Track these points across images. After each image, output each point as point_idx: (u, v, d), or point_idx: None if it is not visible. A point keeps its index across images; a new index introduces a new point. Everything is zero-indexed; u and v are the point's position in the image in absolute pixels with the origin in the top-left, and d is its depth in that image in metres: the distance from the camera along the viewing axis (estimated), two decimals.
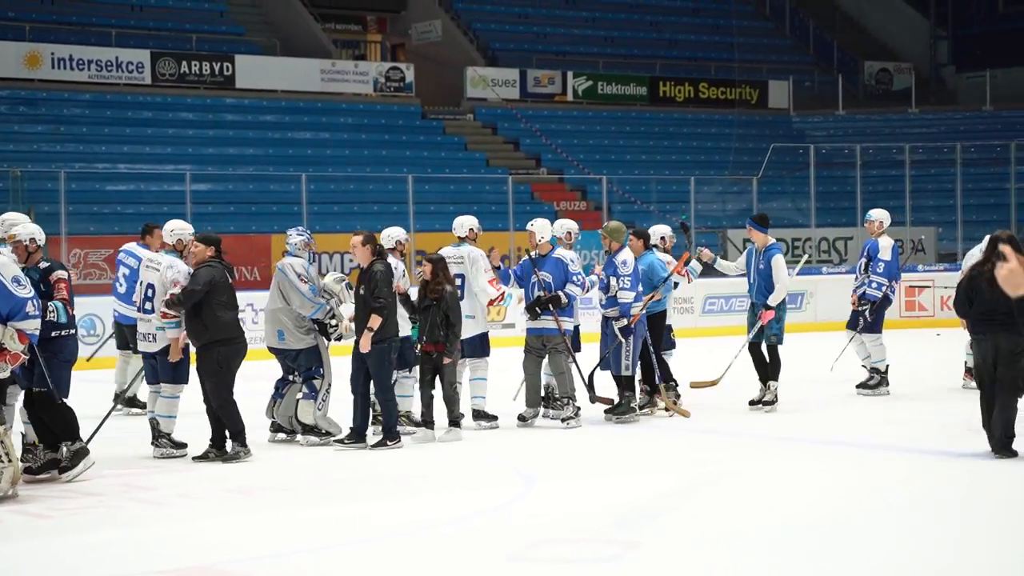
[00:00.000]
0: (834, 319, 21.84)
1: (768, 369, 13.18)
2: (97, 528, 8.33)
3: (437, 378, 11.53)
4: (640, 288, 12.55)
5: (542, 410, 12.56)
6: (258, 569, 7.17)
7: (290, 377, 11.66)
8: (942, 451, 10.67)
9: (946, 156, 31.58)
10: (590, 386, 12.63)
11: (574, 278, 12.31)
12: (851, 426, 12.27)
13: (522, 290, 12.77)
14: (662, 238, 13.90)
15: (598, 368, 12.69)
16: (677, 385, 13.19)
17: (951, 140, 32.17)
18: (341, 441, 11.20)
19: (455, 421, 11.56)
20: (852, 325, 14.54)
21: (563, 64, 35.91)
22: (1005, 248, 4.34)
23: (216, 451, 10.70)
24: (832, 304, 21.00)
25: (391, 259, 11.72)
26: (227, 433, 10.71)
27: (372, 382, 11.16)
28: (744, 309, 14.72)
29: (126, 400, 13.17)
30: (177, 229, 11.19)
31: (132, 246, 13.46)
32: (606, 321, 12.63)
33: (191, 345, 10.83)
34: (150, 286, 11.02)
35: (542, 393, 12.69)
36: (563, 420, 12.27)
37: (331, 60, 32.85)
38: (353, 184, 29.02)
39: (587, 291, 12.66)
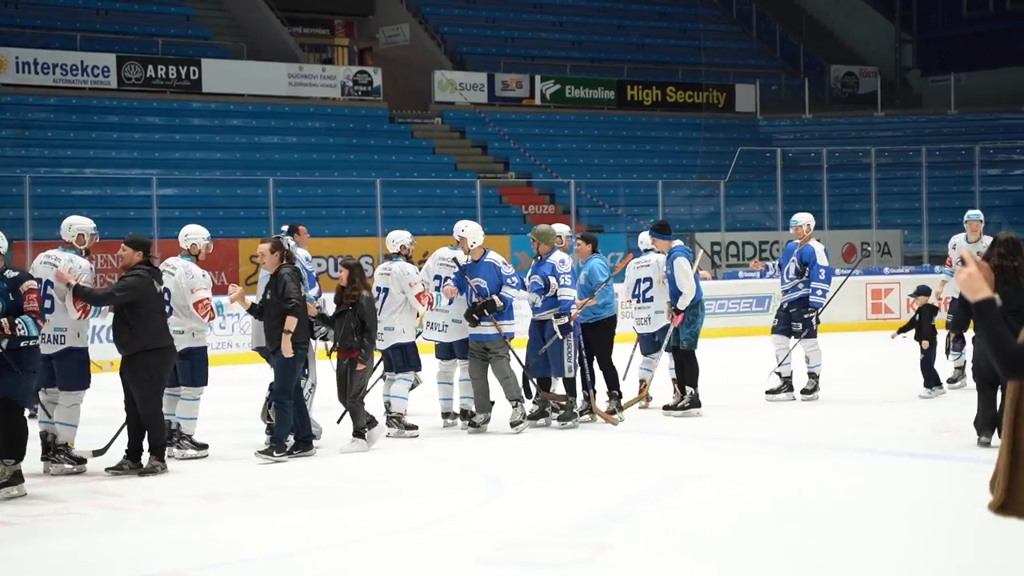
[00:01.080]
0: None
1: (686, 374, 13.00)
2: (62, 535, 8.28)
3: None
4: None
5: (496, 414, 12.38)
6: (225, 575, 7.14)
7: None
8: (909, 452, 10.72)
9: (911, 159, 31.77)
10: (527, 391, 12.57)
11: (508, 280, 12.20)
12: (816, 428, 12.30)
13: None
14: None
15: (527, 373, 12.52)
16: (621, 396, 12.96)
17: (916, 143, 32.37)
18: (289, 452, 10.87)
19: (359, 432, 11.23)
20: (785, 331, 14.16)
21: (531, 68, 35.95)
22: (964, 252, 4.36)
23: (131, 463, 10.32)
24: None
25: (401, 263, 12.14)
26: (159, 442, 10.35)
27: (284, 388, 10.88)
28: (710, 311, 14.79)
29: None
30: (191, 234, 11.28)
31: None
32: (537, 325, 12.48)
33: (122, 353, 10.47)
34: (166, 290, 10.90)
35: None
36: (512, 425, 12.09)
37: (298, 64, 32.77)
38: (321, 188, 28.96)
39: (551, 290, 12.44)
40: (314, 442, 11.29)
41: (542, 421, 12.55)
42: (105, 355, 10.87)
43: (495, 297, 12.10)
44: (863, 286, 24.71)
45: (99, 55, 29.70)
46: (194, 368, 11.07)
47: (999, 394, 10.19)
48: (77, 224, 10.85)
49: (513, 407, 12.20)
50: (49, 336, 10.31)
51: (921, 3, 42.26)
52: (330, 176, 29.20)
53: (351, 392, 11.20)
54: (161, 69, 30.18)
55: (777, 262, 15.42)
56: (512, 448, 11.54)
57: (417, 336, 12.62)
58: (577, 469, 10.48)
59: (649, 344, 13.59)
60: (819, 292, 14.10)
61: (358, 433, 11.27)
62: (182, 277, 11.03)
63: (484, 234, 12.67)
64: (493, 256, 12.34)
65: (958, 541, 7.44)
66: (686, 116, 36.50)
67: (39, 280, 10.15)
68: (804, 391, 14.16)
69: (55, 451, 10.50)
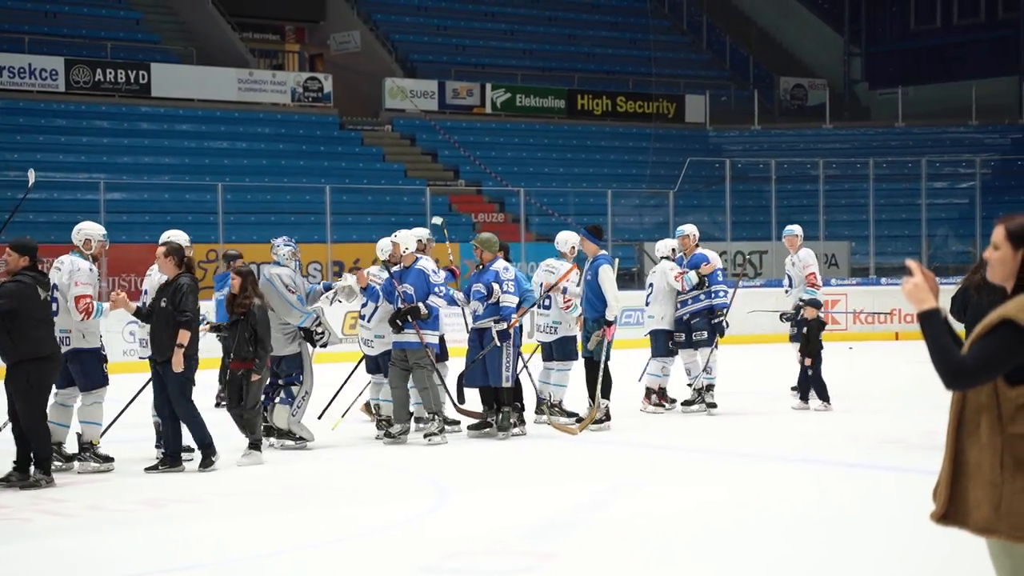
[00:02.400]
0: (752, 332, 22.05)
1: (600, 386, 12.76)
2: (4, 540, 8.19)
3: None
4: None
5: (414, 426, 12.27)
6: None
7: (279, 383, 11.74)
8: (854, 463, 10.78)
9: (859, 171, 32.01)
10: (459, 397, 12.56)
11: (436, 289, 12.01)
12: (761, 439, 12.35)
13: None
14: (672, 250, 14.13)
15: (463, 380, 12.48)
16: (523, 408, 12.74)
17: (864, 156, 32.63)
18: (155, 467, 10.55)
19: (255, 444, 10.92)
20: (690, 344, 14.11)
21: (482, 76, 35.98)
22: (909, 262, 4.40)
23: (19, 475, 9.94)
24: (750, 318, 21.01)
25: (425, 259, 12.19)
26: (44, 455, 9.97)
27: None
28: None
29: None
30: (85, 230, 10.94)
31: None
32: (477, 333, 12.39)
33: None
34: (54, 286, 10.47)
35: (541, 398, 13.07)
36: (426, 436, 11.91)
37: (248, 69, 32.65)
38: (270, 194, 28.85)
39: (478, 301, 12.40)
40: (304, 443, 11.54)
41: (486, 431, 12.50)
42: None
43: (420, 304, 11.91)
44: None
45: (47, 58, 29.49)
46: (86, 371, 10.60)
47: None
48: (85, 229, 10.94)
49: (430, 419, 12.00)
50: (58, 337, 10.37)
51: (870, 17, 42.62)
52: (279, 182, 29.10)
53: (247, 403, 10.86)
54: (110, 73, 30.00)
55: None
56: (459, 456, 11.52)
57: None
58: (524, 477, 10.47)
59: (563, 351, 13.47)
60: (721, 293, 14.13)
61: (254, 445, 10.92)
62: (67, 273, 10.62)
63: (433, 242, 12.66)
64: (424, 264, 12.15)
65: (896, 551, 7.48)
66: (636, 126, 36.63)
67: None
68: (708, 403, 14.03)
69: (80, 450, 10.65)
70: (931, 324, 4.20)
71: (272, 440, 11.68)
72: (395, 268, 12.23)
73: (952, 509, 4.29)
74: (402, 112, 34.12)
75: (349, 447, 11.92)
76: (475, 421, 12.58)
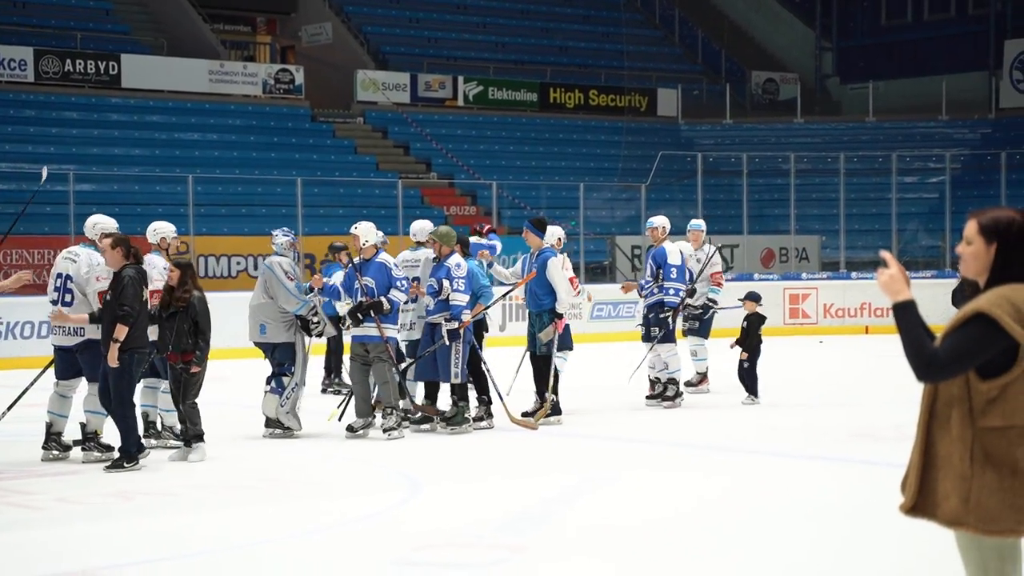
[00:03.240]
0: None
1: (546, 381, 12.70)
2: None
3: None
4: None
5: (378, 419, 12.15)
6: (135, 574, 7.05)
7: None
8: (824, 456, 10.82)
9: (830, 166, 32.10)
10: (424, 395, 12.50)
11: (398, 283, 11.92)
12: (732, 432, 12.38)
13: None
14: (559, 239, 13.90)
15: (411, 374, 12.44)
16: (490, 402, 12.66)
17: (835, 150, 32.72)
18: (118, 465, 10.26)
19: (197, 436, 10.68)
20: (647, 337, 14.14)
21: (454, 69, 35.93)
22: (885, 254, 4.41)
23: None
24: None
25: (428, 251, 12.40)
26: None
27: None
28: (631, 315, 14.80)
29: None
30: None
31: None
32: (430, 328, 12.31)
33: None
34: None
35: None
36: (385, 431, 11.83)
37: (219, 61, 32.52)
38: (241, 186, 28.75)
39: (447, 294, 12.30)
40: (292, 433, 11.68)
41: (427, 426, 12.37)
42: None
43: (383, 299, 11.83)
44: (781, 291, 24.95)
45: (16, 48, 29.29)
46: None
47: None
48: (101, 223, 11.05)
49: (388, 413, 11.88)
50: (68, 329, 10.61)
51: (841, 11, 42.73)
52: (251, 174, 29.00)
53: (186, 396, 10.62)
54: (79, 63, 29.83)
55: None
56: (431, 449, 11.51)
57: None
58: (495, 470, 10.48)
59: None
60: (672, 291, 14.01)
61: (197, 438, 10.69)
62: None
63: (404, 236, 12.68)
64: (385, 257, 12.06)
65: (869, 544, 7.51)
66: (608, 120, 36.65)
67: (61, 275, 10.66)
68: (667, 397, 14.01)
69: (84, 439, 10.70)
70: (905, 315, 4.21)
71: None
72: (356, 260, 12.18)
73: (921, 501, 4.31)
74: (374, 104, 34.05)
75: (322, 440, 11.89)
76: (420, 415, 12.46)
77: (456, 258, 12.28)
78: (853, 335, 24.57)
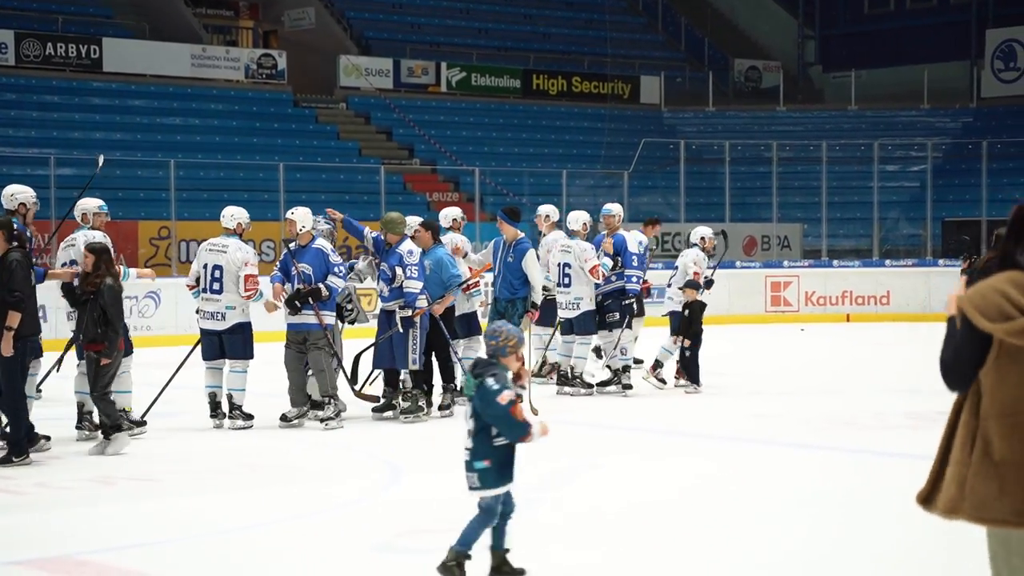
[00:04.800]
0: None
1: None
2: None
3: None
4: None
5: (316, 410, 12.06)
6: (116, 559, 7.04)
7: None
8: (806, 444, 10.85)
9: (812, 154, 32.13)
10: (353, 380, 12.41)
11: (335, 269, 11.75)
12: (711, 419, 12.41)
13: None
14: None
15: (366, 361, 12.45)
16: (456, 390, 12.50)
17: (817, 138, 32.75)
18: (6, 461, 9.83)
19: (115, 427, 10.35)
20: (601, 325, 14.02)
21: (437, 55, 35.87)
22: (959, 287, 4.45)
23: None
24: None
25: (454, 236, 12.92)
26: None
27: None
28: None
29: None
30: (237, 215, 11.97)
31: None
32: (385, 315, 12.16)
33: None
34: (217, 267, 11.73)
35: (560, 371, 13.47)
36: (322, 421, 11.59)
37: (202, 45, 32.40)
38: (223, 171, 28.66)
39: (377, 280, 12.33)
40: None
41: (389, 414, 12.31)
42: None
43: (321, 285, 11.66)
44: (763, 279, 25.01)
45: None
46: (244, 343, 11.69)
47: None
48: (82, 205, 11.90)
49: (326, 403, 11.69)
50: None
51: (824, 0, 42.77)
52: (233, 159, 28.90)
53: (97, 387, 10.24)
54: (61, 47, 29.69)
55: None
56: (412, 436, 11.51)
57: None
58: None
59: (566, 327, 13.89)
60: (634, 279, 13.99)
61: (115, 428, 10.34)
62: (234, 254, 11.69)
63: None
64: (321, 243, 11.87)
65: (854, 533, 7.54)
66: (591, 106, 36.64)
67: (72, 263, 11.12)
68: (623, 385, 13.97)
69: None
70: (946, 327, 4.29)
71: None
72: (292, 246, 11.96)
73: (932, 493, 4.32)
74: (357, 90, 33.97)
75: (304, 427, 11.87)
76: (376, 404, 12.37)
77: (408, 244, 12.10)
78: (834, 323, 24.62)
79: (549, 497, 8.60)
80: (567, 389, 13.79)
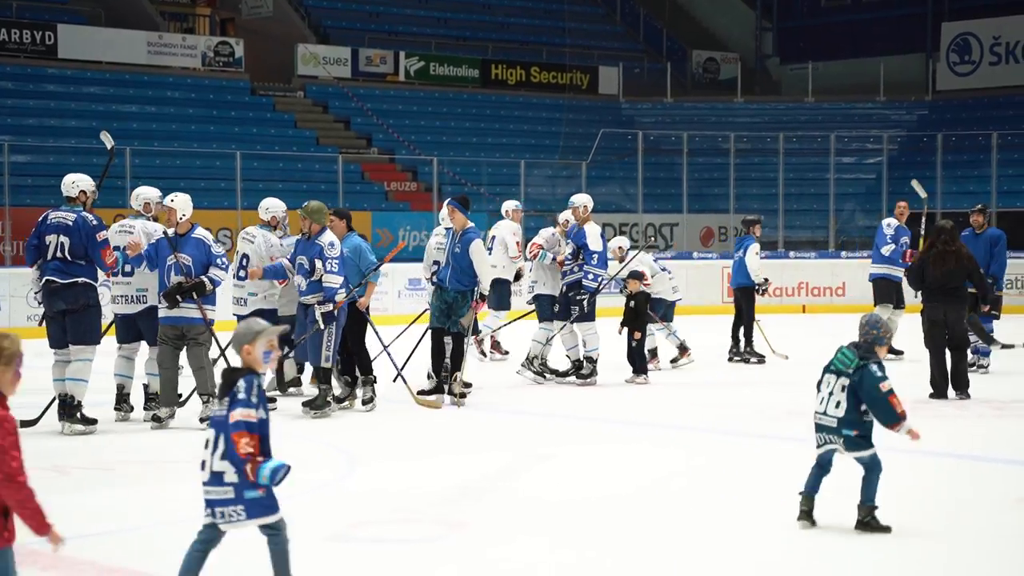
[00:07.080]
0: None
1: (455, 360, 12.52)
2: None
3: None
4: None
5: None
6: (67, 549, 6.99)
7: None
8: (759, 434, 10.91)
9: (769, 146, 32.28)
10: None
11: (217, 261, 11.26)
12: (667, 410, 12.46)
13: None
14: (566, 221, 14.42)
15: (291, 356, 12.41)
16: (375, 381, 12.38)
17: (774, 130, 32.90)
18: None
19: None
20: (563, 316, 14.09)
21: (395, 44, 35.77)
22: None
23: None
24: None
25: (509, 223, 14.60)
26: None
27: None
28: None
29: None
30: (272, 207, 12.62)
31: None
32: (303, 308, 11.88)
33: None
34: (244, 256, 12.36)
35: (541, 361, 13.86)
36: (201, 420, 10.93)
37: (158, 32, 32.18)
38: (179, 160, 28.50)
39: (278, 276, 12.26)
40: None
41: (338, 405, 12.18)
42: None
43: (204, 278, 11.17)
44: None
45: None
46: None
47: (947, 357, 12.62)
48: (143, 194, 11.95)
49: (204, 402, 11.14)
50: (131, 297, 11.48)
51: None
52: (189, 147, 28.74)
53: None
54: (15, 33, 29.42)
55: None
56: (367, 426, 11.50)
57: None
58: (433, 447, 10.47)
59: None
60: (591, 276, 13.97)
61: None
62: (261, 245, 12.31)
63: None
64: (201, 232, 11.38)
65: (794, 522, 7.59)
66: (549, 97, 36.64)
67: (117, 248, 11.28)
68: (581, 375, 14.02)
69: (147, 399, 11.50)
70: None
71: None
72: (170, 234, 11.37)
73: None
74: (314, 79, 33.84)
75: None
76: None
77: (329, 236, 11.78)
78: (790, 314, 24.73)
79: (505, 485, 8.62)
80: (528, 374, 14.24)
